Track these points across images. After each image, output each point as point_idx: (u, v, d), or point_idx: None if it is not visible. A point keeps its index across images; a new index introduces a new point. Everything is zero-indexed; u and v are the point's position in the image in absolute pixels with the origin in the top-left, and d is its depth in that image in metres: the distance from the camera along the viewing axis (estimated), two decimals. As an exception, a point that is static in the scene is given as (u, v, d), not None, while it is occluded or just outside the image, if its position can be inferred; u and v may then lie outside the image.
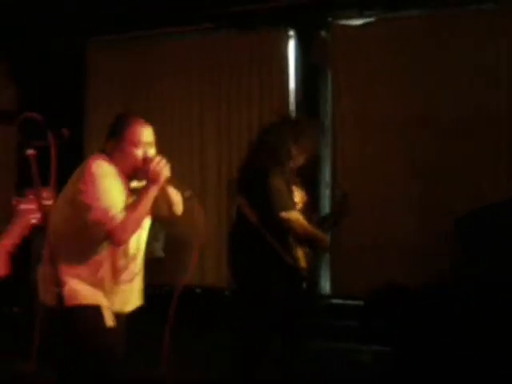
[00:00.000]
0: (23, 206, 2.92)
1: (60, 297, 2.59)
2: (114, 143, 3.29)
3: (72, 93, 7.17)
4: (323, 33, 6.50)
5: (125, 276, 3.32)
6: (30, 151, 2.19)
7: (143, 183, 3.30)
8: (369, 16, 6.35)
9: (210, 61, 6.86)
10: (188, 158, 6.86)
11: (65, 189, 3.25)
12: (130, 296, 3.40)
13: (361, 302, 5.62)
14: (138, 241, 3.37)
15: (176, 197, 3.41)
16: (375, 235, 6.13)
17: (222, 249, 6.03)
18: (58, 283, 2.56)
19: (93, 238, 3.16)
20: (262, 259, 4.24)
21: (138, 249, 3.38)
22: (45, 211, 2.66)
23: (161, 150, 3.34)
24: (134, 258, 3.35)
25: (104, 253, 3.23)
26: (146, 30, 7.01)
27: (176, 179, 3.30)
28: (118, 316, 3.33)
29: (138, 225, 3.21)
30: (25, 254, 6.36)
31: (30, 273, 6.43)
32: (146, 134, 3.30)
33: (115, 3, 6.28)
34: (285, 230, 4.23)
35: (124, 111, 3.70)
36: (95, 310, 3.23)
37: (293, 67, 6.64)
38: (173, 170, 3.26)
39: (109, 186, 3.15)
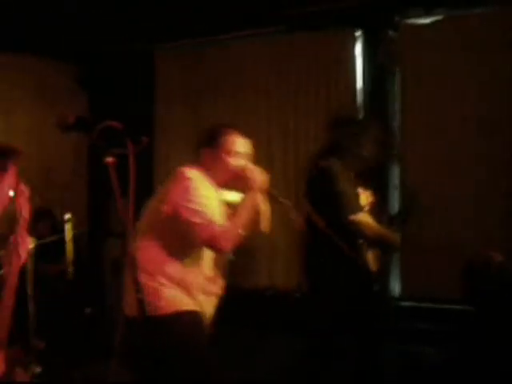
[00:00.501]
0: None
1: (143, 304, 2.58)
2: (209, 153, 3.36)
3: (141, 98, 7.27)
4: (390, 32, 6.44)
5: (213, 288, 3.39)
6: (110, 159, 2.22)
7: (237, 196, 3.36)
8: (436, 14, 6.27)
9: (277, 63, 6.87)
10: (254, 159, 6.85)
11: (156, 197, 3.31)
12: (210, 309, 3.42)
13: (430, 304, 5.54)
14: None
15: (266, 213, 3.41)
16: (445, 235, 6.04)
17: (290, 252, 6.04)
18: (140, 290, 2.58)
19: (191, 248, 3.23)
20: (333, 263, 4.24)
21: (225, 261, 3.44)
22: None
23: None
24: (224, 270, 3.43)
25: (198, 262, 3.29)
26: (214, 36, 7.05)
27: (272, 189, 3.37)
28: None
29: (239, 234, 3.23)
30: (97, 257, 6.56)
31: (102, 275, 6.59)
32: (243, 144, 3.40)
33: (183, 9, 6.32)
34: (353, 232, 4.21)
35: (219, 123, 3.70)
36: (196, 315, 3.27)
37: (360, 67, 6.60)
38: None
39: (206, 197, 3.20)
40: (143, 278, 2.88)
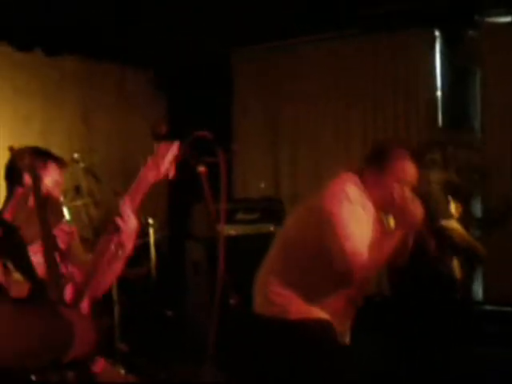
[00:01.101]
0: None
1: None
2: (375, 171, 3.16)
3: (219, 103, 7.33)
4: (470, 32, 6.34)
5: (349, 311, 3.28)
6: (202, 168, 2.25)
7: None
8: (517, 13, 6.14)
9: (355, 65, 6.82)
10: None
11: (308, 203, 3.23)
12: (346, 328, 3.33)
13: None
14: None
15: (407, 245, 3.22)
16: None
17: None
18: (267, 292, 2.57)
19: (332, 268, 3.04)
20: (417, 268, 4.19)
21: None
22: None
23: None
24: (365, 283, 3.28)
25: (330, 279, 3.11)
26: (288, 39, 7.06)
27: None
28: None
29: (379, 265, 3.10)
30: (179, 260, 6.64)
31: (184, 277, 6.67)
32: (413, 172, 3.16)
33: (258, 14, 6.35)
34: (441, 238, 4.15)
35: (390, 141, 3.50)
36: (327, 324, 3.16)
37: (439, 68, 6.51)
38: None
39: (358, 220, 3.01)
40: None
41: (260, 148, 7.09)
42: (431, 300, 4.18)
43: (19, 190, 2.66)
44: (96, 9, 5.91)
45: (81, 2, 5.71)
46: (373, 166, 3.16)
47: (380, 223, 3.22)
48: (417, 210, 3.04)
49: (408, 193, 3.11)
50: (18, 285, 1.91)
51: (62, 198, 3.18)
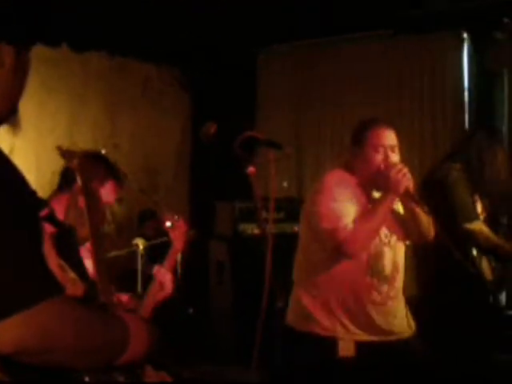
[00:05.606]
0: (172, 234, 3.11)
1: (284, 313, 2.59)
2: (355, 150, 3.19)
3: (244, 102, 7.32)
4: (498, 34, 6.29)
5: (374, 297, 3.15)
6: (251, 169, 2.23)
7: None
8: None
9: (381, 68, 6.79)
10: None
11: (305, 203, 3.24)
12: (384, 322, 3.20)
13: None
14: (394, 260, 3.22)
15: (424, 217, 3.21)
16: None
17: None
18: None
19: (324, 248, 3.08)
20: (446, 270, 4.17)
21: (394, 269, 3.20)
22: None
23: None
24: (389, 278, 3.19)
25: (342, 268, 3.10)
26: (316, 39, 7.03)
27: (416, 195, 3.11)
28: (379, 347, 3.16)
29: (370, 236, 3.05)
30: (202, 259, 6.63)
31: (208, 277, 6.66)
32: (387, 135, 3.15)
33: (286, 12, 6.32)
34: (468, 240, 4.13)
35: (365, 117, 3.48)
36: (328, 343, 3.10)
37: (467, 72, 6.48)
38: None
39: (341, 195, 3.04)
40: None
41: (290, 149, 7.04)
42: (460, 301, 4.15)
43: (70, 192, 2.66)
44: (123, 5, 5.91)
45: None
46: (354, 148, 3.20)
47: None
48: (400, 174, 3.02)
49: (392, 158, 3.11)
50: (74, 284, 1.90)
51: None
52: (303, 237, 3.25)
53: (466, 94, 6.47)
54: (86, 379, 1.87)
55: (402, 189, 3.02)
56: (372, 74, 6.83)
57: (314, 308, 3.14)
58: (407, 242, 3.38)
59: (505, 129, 6.25)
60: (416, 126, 6.60)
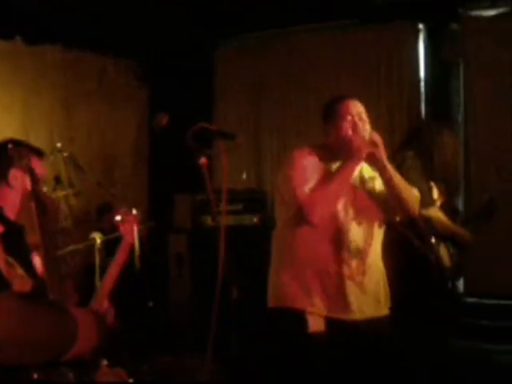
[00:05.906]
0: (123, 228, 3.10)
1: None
2: (326, 127, 3.26)
3: (201, 94, 7.28)
4: (454, 25, 6.35)
5: (344, 271, 3.17)
6: (203, 160, 2.22)
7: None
8: (501, 6, 6.16)
9: (338, 57, 6.81)
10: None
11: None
12: (355, 300, 3.20)
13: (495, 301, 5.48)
14: (365, 236, 3.23)
15: (407, 192, 3.24)
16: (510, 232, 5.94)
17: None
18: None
19: (290, 219, 3.14)
20: (405, 257, 4.19)
21: (364, 244, 3.21)
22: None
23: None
24: (359, 253, 3.20)
25: (314, 244, 3.15)
26: (274, 29, 7.02)
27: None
28: (343, 325, 3.16)
29: (328, 200, 3.08)
30: (162, 253, 6.60)
31: (168, 270, 6.63)
32: (354, 104, 3.22)
33: (247, 2, 6.31)
34: (425, 227, 4.17)
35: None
36: (298, 316, 3.13)
37: (422, 62, 6.53)
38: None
39: (304, 165, 3.12)
40: None
41: (242, 138, 7.05)
42: (418, 287, 4.18)
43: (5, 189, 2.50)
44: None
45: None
46: (325, 125, 3.26)
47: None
48: (360, 140, 3.07)
49: (360, 126, 3.16)
50: (21, 280, 1.87)
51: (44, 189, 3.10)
52: (277, 214, 3.29)
53: (423, 83, 6.53)
54: (35, 376, 1.85)
55: (362, 154, 3.08)
56: (330, 63, 6.85)
57: (289, 284, 3.17)
58: (387, 219, 3.38)
59: (460, 118, 6.33)
60: (373, 116, 6.61)
